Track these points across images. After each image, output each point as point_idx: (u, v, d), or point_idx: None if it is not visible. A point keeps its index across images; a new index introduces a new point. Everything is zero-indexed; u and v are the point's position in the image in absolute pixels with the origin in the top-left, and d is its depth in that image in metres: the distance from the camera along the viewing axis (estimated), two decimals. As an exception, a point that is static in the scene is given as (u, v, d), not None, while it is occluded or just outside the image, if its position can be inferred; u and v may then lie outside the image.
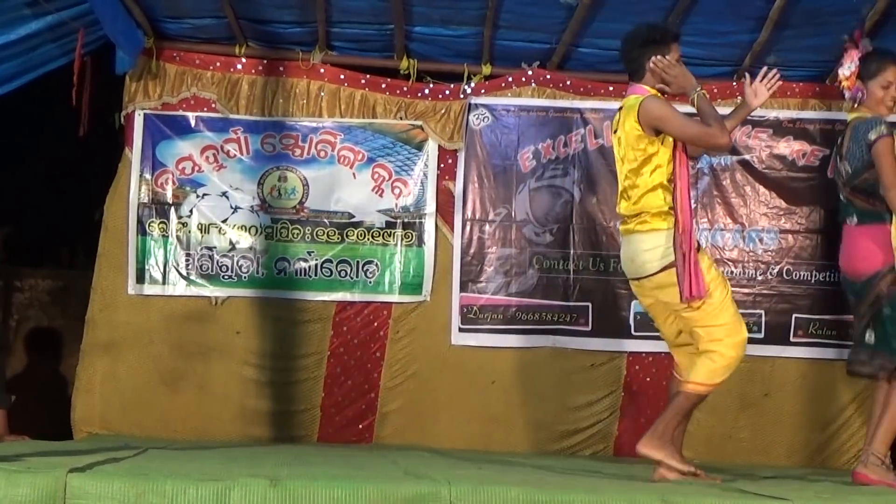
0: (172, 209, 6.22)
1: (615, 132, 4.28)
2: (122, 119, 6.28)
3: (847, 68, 4.43)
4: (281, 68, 6.31)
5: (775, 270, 6.37)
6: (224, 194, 6.25)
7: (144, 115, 6.23)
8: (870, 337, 4.42)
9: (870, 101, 4.43)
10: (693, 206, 4.31)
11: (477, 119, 6.35)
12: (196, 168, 6.26)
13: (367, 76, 6.36)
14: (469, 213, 6.32)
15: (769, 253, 6.38)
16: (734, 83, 6.39)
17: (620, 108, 4.25)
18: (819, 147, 6.37)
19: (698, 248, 4.17)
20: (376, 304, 6.27)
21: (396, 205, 6.30)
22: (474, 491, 3.00)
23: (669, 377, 6.25)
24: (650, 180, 4.14)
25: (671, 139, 4.13)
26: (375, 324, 6.26)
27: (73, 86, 5.76)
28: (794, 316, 6.31)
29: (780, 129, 6.39)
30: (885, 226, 4.32)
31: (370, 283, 6.25)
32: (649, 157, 4.13)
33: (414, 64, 6.34)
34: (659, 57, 4.16)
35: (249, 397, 6.16)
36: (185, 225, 6.22)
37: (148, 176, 6.21)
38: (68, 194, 7.49)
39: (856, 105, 4.52)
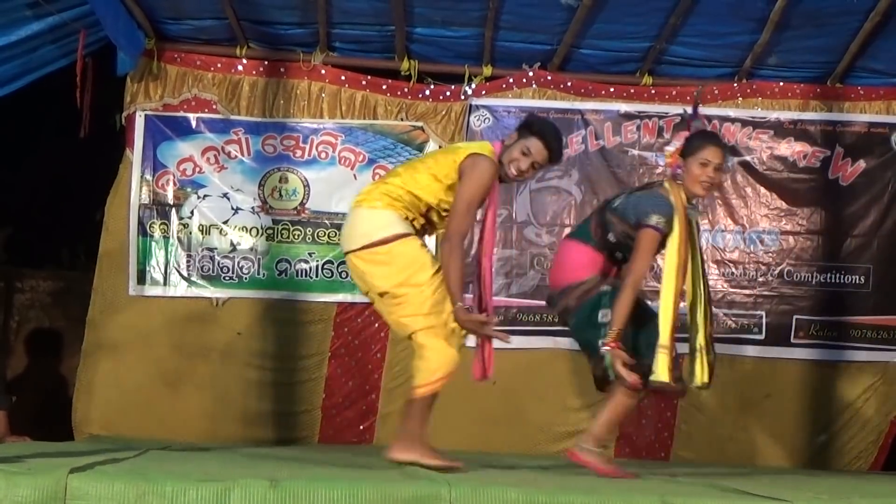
0: (173, 210, 6.22)
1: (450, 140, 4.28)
2: (123, 120, 6.28)
3: (672, 145, 4.44)
4: (282, 69, 6.32)
5: (776, 272, 6.37)
6: (225, 195, 6.25)
7: (145, 116, 6.23)
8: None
9: (687, 178, 4.37)
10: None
11: (478, 120, 6.35)
12: (197, 169, 6.26)
13: (368, 77, 6.37)
14: (470, 214, 6.31)
15: (770, 254, 6.37)
16: (734, 84, 6.40)
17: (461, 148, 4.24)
18: (820, 148, 6.37)
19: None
20: (377, 306, 6.27)
21: (397, 206, 6.29)
22: (474, 491, 2.99)
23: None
24: (418, 184, 4.08)
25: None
26: (376, 325, 6.25)
27: (74, 87, 5.77)
28: (794, 317, 6.30)
29: (781, 130, 6.39)
30: (592, 249, 4.39)
31: (371, 284, 6.25)
32: (441, 180, 4.09)
33: (415, 65, 6.34)
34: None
35: (250, 398, 6.16)
36: (185, 226, 6.22)
37: (149, 177, 6.22)
38: (69, 195, 7.50)
39: (677, 181, 4.42)
